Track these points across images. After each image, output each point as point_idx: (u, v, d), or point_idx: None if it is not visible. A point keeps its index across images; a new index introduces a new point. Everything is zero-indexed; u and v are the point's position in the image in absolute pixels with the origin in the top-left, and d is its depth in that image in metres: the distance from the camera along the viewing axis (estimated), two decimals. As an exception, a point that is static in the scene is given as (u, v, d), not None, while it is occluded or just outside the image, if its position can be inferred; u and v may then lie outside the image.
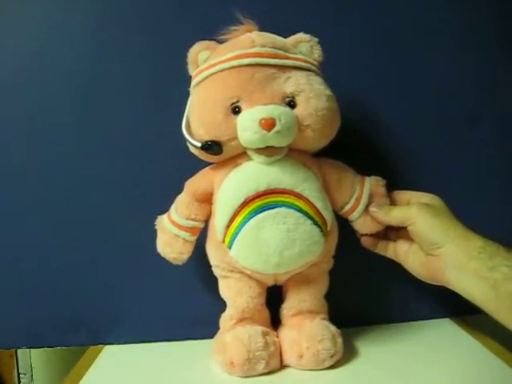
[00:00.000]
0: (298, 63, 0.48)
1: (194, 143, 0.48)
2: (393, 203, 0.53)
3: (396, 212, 0.50)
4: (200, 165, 0.53)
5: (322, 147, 0.51)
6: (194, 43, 0.50)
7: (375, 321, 0.60)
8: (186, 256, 0.53)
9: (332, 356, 0.49)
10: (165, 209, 0.54)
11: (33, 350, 0.77)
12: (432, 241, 0.47)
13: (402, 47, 0.61)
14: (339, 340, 0.50)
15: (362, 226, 0.53)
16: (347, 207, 0.52)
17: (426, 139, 0.62)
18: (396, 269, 0.61)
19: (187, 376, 0.51)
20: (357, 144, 0.59)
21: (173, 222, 0.52)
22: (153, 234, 0.54)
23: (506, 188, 0.63)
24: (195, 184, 0.52)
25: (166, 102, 0.58)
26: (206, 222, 0.53)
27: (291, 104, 0.47)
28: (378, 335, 0.57)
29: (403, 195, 0.53)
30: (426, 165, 0.62)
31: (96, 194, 0.59)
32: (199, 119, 0.48)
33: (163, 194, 0.54)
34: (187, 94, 0.50)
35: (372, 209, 0.51)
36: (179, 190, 0.53)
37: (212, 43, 0.50)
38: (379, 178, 0.53)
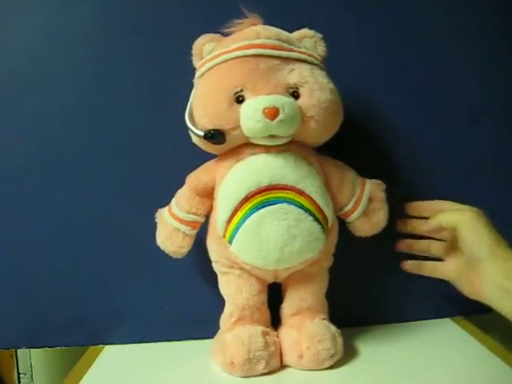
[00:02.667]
0: (302, 56, 0.48)
1: (196, 132, 0.48)
2: (422, 211, 0.53)
3: (447, 215, 0.49)
4: (200, 161, 0.53)
5: (324, 141, 0.51)
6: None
7: (375, 321, 0.60)
8: (185, 250, 0.53)
9: (332, 356, 0.49)
10: (165, 209, 0.54)
11: (33, 350, 0.77)
12: (476, 253, 0.47)
13: (405, 44, 0.61)
14: (339, 340, 0.50)
15: (359, 228, 0.53)
16: (346, 209, 0.52)
17: (429, 136, 0.62)
18: (396, 269, 0.61)
19: (187, 376, 0.51)
20: (359, 140, 0.59)
21: (173, 216, 0.52)
22: (153, 235, 0.53)
23: (509, 185, 0.63)
24: (197, 178, 0.52)
25: (167, 100, 0.58)
26: (207, 216, 0.53)
27: (295, 95, 0.47)
28: (378, 335, 0.57)
29: (436, 205, 0.53)
30: (427, 162, 0.62)
31: (96, 195, 0.59)
32: (203, 108, 0.48)
33: (163, 194, 0.54)
34: (188, 91, 0.50)
35: (424, 227, 0.52)
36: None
37: (217, 36, 0.50)
38: (380, 182, 0.53)
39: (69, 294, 0.60)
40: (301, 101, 0.47)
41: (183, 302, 0.60)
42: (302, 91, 0.47)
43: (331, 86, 0.49)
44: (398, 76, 0.61)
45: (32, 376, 0.79)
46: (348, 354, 0.52)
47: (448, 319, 0.62)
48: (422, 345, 0.55)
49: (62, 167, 0.59)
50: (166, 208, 0.53)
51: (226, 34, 0.50)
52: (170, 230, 0.52)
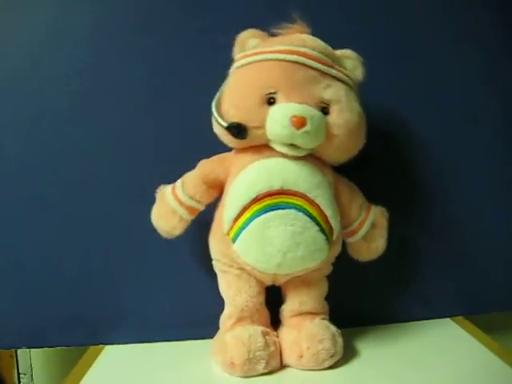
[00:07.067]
0: (340, 75, 0.49)
1: (220, 122, 0.48)
2: None
3: None
4: (200, 161, 0.52)
5: (340, 162, 0.51)
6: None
7: (375, 321, 0.60)
8: (178, 232, 0.52)
9: (332, 356, 0.49)
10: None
11: (33, 350, 0.77)
12: None
13: (404, 44, 0.61)
14: (339, 340, 0.50)
15: (357, 251, 0.53)
16: (349, 229, 0.52)
17: (428, 135, 0.62)
18: (396, 269, 0.61)
19: (187, 376, 0.51)
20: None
21: (175, 196, 0.51)
22: (153, 235, 0.53)
23: (506, 188, 0.63)
24: (210, 167, 0.52)
25: (167, 100, 0.58)
26: (207, 205, 0.52)
27: (324, 111, 0.47)
28: (378, 335, 0.57)
29: None
30: (426, 162, 0.62)
31: (96, 194, 0.59)
32: (232, 99, 0.48)
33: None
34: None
35: None
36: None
37: (262, 33, 0.50)
38: (384, 210, 0.53)
39: (69, 294, 0.60)
40: (329, 118, 0.47)
41: (183, 302, 0.60)
42: (333, 109, 0.47)
43: (360, 110, 0.49)
44: (397, 76, 0.61)
45: (32, 376, 0.79)
46: (348, 354, 0.52)
47: (448, 319, 0.62)
48: (422, 345, 0.55)
49: (62, 166, 0.59)
50: (170, 187, 0.53)
51: (272, 35, 0.50)
52: (168, 210, 0.52)
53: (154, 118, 0.59)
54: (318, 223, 0.48)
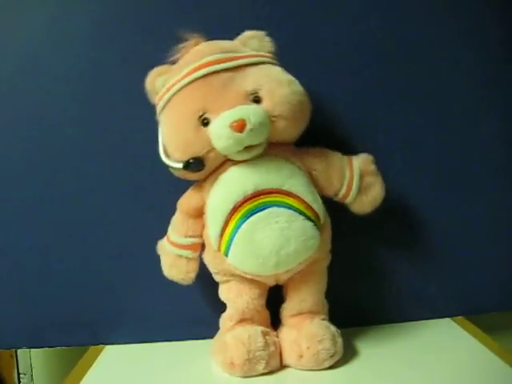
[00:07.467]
0: (250, 60, 0.48)
1: (175, 166, 0.49)
2: None
3: None
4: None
5: (300, 133, 0.51)
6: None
7: (375, 321, 0.60)
8: (192, 274, 0.53)
9: (332, 356, 0.49)
10: (165, 209, 0.54)
11: (33, 350, 0.77)
12: None
13: (404, 43, 0.61)
14: (339, 340, 0.50)
15: (359, 207, 0.53)
16: (341, 192, 0.52)
17: (428, 136, 0.62)
18: (396, 269, 0.61)
19: (187, 376, 0.51)
20: (357, 142, 0.59)
21: (172, 243, 0.52)
22: (152, 235, 0.54)
23: (506, 188, 0.63)
24: (186, 201, 0.52)
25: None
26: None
27: (256, 100, 0.47)
28: (378, 335, 0.57)
29: None
30: (427, 162, 0.62)
31: (96, 195, 0.59)
32: (173, 142, 0.48)
33: (163, 194, 0.54)
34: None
35: None
36: (180, 190, 0.53)
37: (165, 67, 0.50)
38: (367, 155, 0.53)
39: (69, 294, 0.60)
40: (264, 104, 0.47)
41: (183, 302, 0.59)
42: (262, 94, 0.47)
43: (288, 77, 0.48)
44: (396, 76, 0.61)
45: (32, 376, 0.79)
46: (348, 354, 0.52)
47: (448, 319, 0.62)
48: (422, 345, 0.55)
49: (62, 166, 0.59)
50: (165, 238, 0.54)
51: (173, 62, 0.50)
52: (173, 258, 0.52)
53: (154, 118, 0.59)
54: (301, 213, 0.48)
